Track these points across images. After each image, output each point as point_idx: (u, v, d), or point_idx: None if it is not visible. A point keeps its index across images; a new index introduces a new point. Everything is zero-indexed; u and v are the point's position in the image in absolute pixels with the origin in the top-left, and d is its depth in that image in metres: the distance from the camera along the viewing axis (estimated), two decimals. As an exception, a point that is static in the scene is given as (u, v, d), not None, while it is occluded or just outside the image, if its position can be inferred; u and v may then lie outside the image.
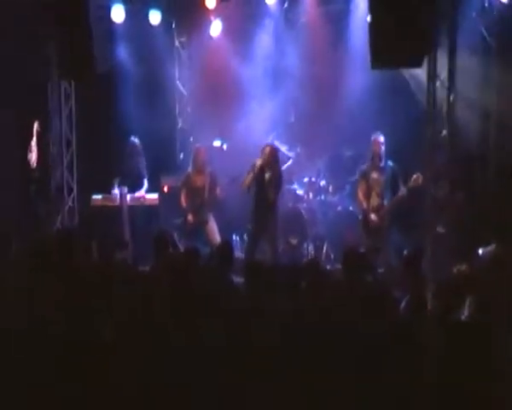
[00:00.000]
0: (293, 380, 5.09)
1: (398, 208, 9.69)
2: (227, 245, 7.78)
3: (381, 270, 9.08)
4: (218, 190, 10.55)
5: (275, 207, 9.98)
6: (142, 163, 11.07)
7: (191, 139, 12.48)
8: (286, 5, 11.43)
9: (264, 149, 9.91)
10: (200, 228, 10.62)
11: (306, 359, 5.21)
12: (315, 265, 7.11)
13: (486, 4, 9.53)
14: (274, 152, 9.99)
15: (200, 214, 10.60)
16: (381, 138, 9.76)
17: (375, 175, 9.85)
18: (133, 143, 11.02)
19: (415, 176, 9.33)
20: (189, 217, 10.62)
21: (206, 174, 10.61)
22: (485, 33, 9.63)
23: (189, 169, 10.78)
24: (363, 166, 10.04)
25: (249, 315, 5.67)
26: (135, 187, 10.95)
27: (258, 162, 9.76)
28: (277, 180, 9.91)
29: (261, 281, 6.24)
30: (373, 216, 9.83)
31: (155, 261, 7.75)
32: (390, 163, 9.76)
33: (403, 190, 9.51)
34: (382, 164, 9.79)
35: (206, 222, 10.59)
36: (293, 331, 5.49)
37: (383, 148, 9.75)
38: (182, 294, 6.26)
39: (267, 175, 9.79)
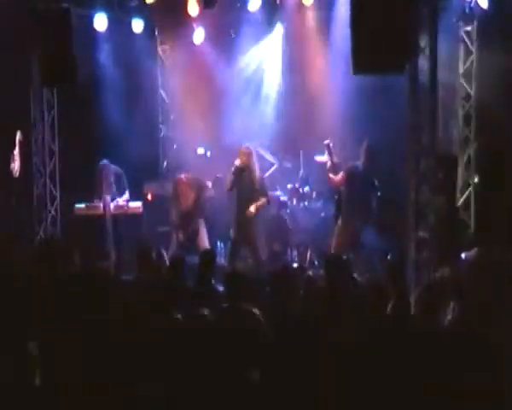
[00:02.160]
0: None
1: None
2: (209, 253, 7.77)
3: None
4: (207, 192, 10.55)
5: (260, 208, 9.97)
6: (114, 181, 10.94)
7: (174, 146, 12.47)
8: (268, 12, 11.42)
9: (240, 149, 9.88)
10: (191, 238, 10.61)
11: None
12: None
13: (467, 10, 9.59)
14: (249, 152, 9.91)
15: (190, 226, 10.60)
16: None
17: None
18: (102, 167, 10.89)
19: None
20: (180, 235, 10.59)
21: (191, 193, 10.60)
22: (466, 38, 9.70)
23: (171, 196, 10.81)
24: None
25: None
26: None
27: (237, 162, 9.72)
28: (256, 182, 9.85)
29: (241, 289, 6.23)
30: None
31: (139, 272, 7.72)
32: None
33: None
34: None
35: (196, 232, 10.57)
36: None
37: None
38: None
39: (245, 177, 9.78)
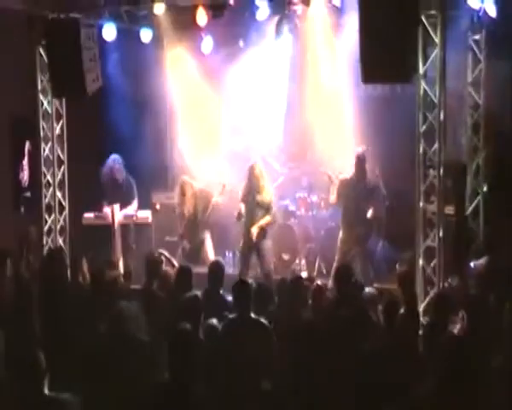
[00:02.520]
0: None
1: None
2: (217, 264, 7.78)
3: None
4: (214, 202, 10.60)
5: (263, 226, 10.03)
6: (125, 180, 10.99)
7: (182, 155, 12.47)
8: (277, 20, 11.39)
9: (249, 169, 9.97)
10: (197, 249, 10.64)
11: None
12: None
13: (475, 19, 9.58)
14: (259, 173, 10.00)
15: (196, 237, 10.66)
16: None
17: None
18: (111, 162, 10.94)
19: None
20: (185, 244, 10.66)
21: (197, 203, 10.69)
22: (475, 47, 9.69)
23: (176, 200, 10.89)
24: None
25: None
26: (125, 204, 10.90)
27: (241, 209, 9.96)
28: (265, 202, 9.94)
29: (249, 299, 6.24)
30: None
31: (148, 280, 7.73)
32: None
33: None
34: None
35: (202, 242, 10.64)
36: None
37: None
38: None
39: (253, 197, 9.88)
